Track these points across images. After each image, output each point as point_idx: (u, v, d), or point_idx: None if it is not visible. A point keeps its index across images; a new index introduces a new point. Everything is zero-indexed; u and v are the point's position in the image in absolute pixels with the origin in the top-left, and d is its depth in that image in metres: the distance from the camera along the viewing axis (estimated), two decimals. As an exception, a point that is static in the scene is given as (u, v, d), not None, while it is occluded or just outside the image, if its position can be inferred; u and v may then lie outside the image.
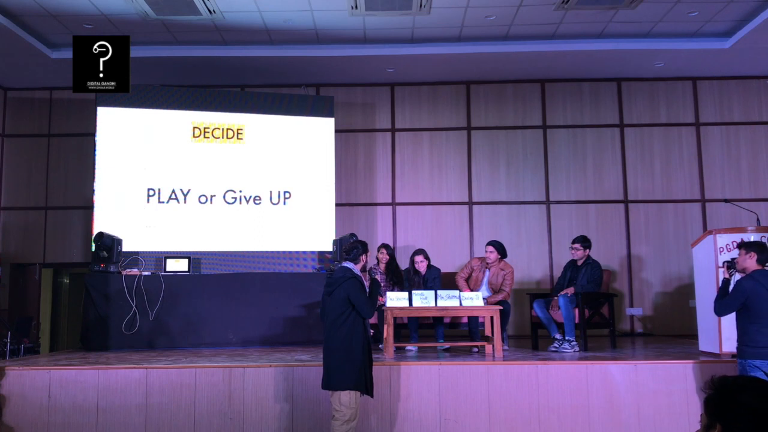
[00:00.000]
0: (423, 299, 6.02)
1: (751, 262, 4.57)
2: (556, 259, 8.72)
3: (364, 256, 4.64)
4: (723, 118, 9.04)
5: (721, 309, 4.71)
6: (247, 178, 8.20)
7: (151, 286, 7.03)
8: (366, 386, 4.41)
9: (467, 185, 9.04)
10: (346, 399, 4.30)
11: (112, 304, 6.96)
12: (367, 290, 4.55)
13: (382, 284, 7.00)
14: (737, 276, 4.72)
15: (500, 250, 6.89)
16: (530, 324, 6.85)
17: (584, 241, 6.74)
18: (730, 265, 4.85)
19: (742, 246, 4.72)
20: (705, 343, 5.87)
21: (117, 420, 5.06)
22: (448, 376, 5.15)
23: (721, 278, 5.34)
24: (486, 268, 6.93)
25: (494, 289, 6.79)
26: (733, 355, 5.28)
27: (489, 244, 6.96)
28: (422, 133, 9.16)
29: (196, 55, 8.20)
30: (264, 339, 7.18)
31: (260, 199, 8.21)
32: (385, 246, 7.31)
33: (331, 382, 4.36)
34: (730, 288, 4.74)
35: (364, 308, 4.38)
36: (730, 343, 5.40)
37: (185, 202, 8.01)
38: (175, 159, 8.07)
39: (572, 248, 6.75)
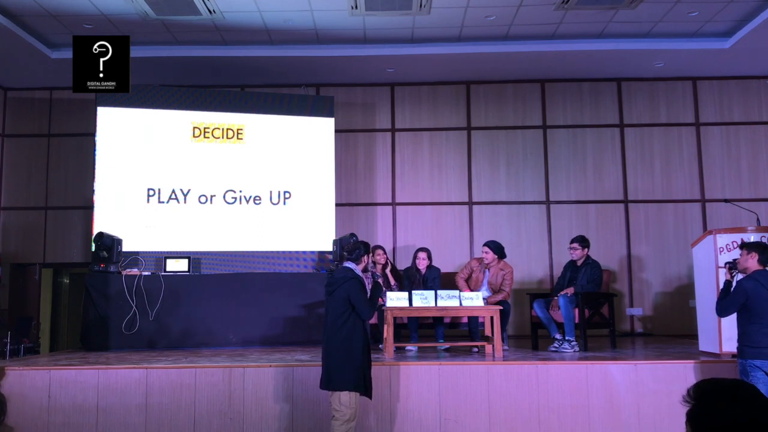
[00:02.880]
0: (423, 299, 6.02)
1: (752, 263, 4.58)
2: (556, 259, 8.72)
3: (366, 257, 4.64)
4: (723, 118, 9.04)
5: (722, 310, 4.71)
6: (247, 178, 8.20)
7: (151, 286, 7.03)
8: (365, 387, 4.40)
9: (467, 185, 9.04)
10: (346, 399, 4.30)
11: (112, 304, 6.96)
12: (369, 292, 4.54)
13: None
14: (739, 277, 4.72)
15: (497, 250, 6.86)
16: (530, 324, 6.85)
17: (582, 241, 6.73)
18: (732, 266, 4.83)
19: (744, 246, 4.72)
20: (705, 343, 5.88)
21: (117, 420, 5.06)
22: (448, 376, 5.15)
23: (722, 279, 5.35)
24: (486, 268, 6.93)
25: (494, 289, 6.79)
26: (734, 355, 5.28)
27: (485, 244, 6.96)
28: (422, 133, 9.16)
29: (196, 55, 8.20)
30: (264, 339, 7.18)
31: (260, 199, 8.21)
32: (380, 248, 7.30)
33: (331, 382, 4.35)
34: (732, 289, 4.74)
35: (364, 309, 4.37)
36: (730, 343, 5.40)
37: (185, 202, 8.01)
38: (175, 159, 8.07)
39: (570, 248, 6.75)
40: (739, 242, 5.56)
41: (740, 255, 4.70)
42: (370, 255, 4.76)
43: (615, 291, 8.48)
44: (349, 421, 4.30)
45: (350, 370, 4.31)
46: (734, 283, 4.73)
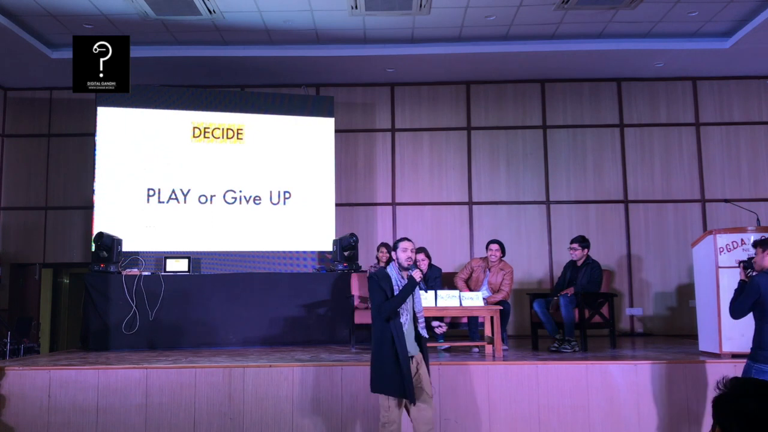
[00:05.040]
0: (423, 299, 6.00)
1: None
2: (556, 259, 8.72)
3: (388, 253, 4.45)
4: (723, 118, 9.04)
5: (735, 311, 4.38)
6: (247, 178, 8.21)
7: (151, 286, 7.03)
8: (400, 390, 4.07)
9: (467, 185, 9.04)
10: (383, 402, 4.13)
11: (112, 304, 6.97)
12: (394, 288, 4.19)
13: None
14: (754, 274, 4.37)
15: (503, 248, 6.93)
16: (530, 324, 6.85)
17: (582, 241, 6.74)
18: (747, 264, 4.49)
19: (758, 244, 4.39)
20: (705, 343, 5.87)
21: (117, 420, 5.06)
22: (448, 376, 5.15)
23: (722, 279, 5.32)
24: (487, 268, 6.93)
25: (494, 289, 6.79)
26: (734, 355, 5.28)
27: (493, 242, 6.95)
28: (422, 133, 9.16)
29: (196, 55, 8.20)
30: (264, 339, 7.18)
31: (260, 199, 8.21)
32: (384, 245, 7.32)
33: (370, 384, 4.24)
34: None
35: (374, 307, 4.18)
36: (730, 343, 5.41)
37: (185, 202, 8.02)
38: (175, 159, 8.07)
39: (571, 248, 6.76)
40: (739, 242, 5.56)
41: (755, 253, 4.38)
42: (395, 251, 4.41)
43: (615, 291, 8.48)
44: (384, 425, 4.09)
45: (381, 373, 4.10)
46: None
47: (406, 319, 4.18)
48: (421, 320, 4.28)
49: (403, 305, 4.16)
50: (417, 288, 4.27)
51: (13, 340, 7.51)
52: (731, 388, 1.70)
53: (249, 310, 7.25)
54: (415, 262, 4.30)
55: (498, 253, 6.87)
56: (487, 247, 7.00)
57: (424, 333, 4.27)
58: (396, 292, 4.15)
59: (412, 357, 4.16)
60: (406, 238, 4.32)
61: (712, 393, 1.77)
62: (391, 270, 4.24)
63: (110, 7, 7.12)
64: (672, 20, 7.56)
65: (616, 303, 7.49)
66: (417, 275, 4.17)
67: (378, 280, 4.20)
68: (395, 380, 4.07)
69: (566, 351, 6.12)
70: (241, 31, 7.79)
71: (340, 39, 8.04)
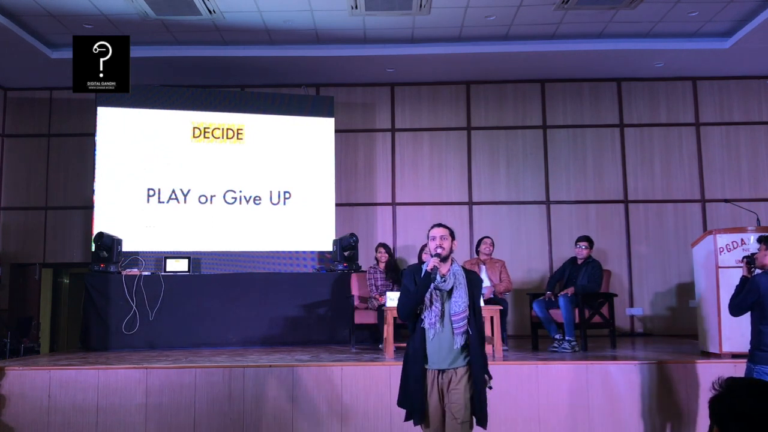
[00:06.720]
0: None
1: None
2: (556, 258, 8.71)
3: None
4: (723, 118, 9.04)
5: (734, 308, 4.29)
6: (247, 178, 8.20)
7: (151, 286, 7.03)
8: (400, 403, 3.60)
9: (467, 185, 9.04)
10: None
11: (112, 304, 6.97)
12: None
13: (379, 283, 6.96)
14: (758, 272, 4.30)
15: (493, 243, 7.23)
16: (530, 324, 6.86)
17: (589, 241, 6.83)
18: (750, 260, 4.36)
19: (762, 240, 4.27)
20: (705, 343, 5.87)
21: (117, 420, 5.06)
22: (448, 376, 5.14)
23: (722, 279, 5.31)
24: (481, 263, 7.01)
25: (495, 285, 6.87)
26: (734, 355, 5.28)
27: (485, 237, 7.26)
28: (422, 133, 9.15)
29: (196, 55, 8.20)
30: (264, 339, 7.18)
31: (260, 199, 8.21)
32: (383, 245, 7.31)
33: None
34: None
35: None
36: (730, 343, 5.41)
37: (185, 202, 8.02)
38: (175, 159, 8.07)
39: (579, 246, 6.80)
40: (739, 242, 5.56)
41: (759, 249, 4.28)
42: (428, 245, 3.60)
43: (615, 291, 8.47)
44: None
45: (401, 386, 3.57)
46: None
47: (432, 323, 3.44)
48: (457, 325, 3.43)
49: (432, 308, 3.44)
50: (458, 285, 3.47)
51: (13, 340, 7.51)
52: (727, 388, 1.70)
53: (249, 310, 7.25)
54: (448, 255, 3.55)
55: (491, 247, 7.15)
56: (480, 242, 7.21)
57: (458, 340, 3.42)
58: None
59: (442, 371, 3.47)
60: (436, 225, 3.61)
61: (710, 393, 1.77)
62: (426, 264, 3.54)
63: (110, 7, 7.12)
64: (672, 20, 7.56)
65: (616, 303, 7.48)
66: (429, 264, 3.43)
67: (407, 274, 3.58)
68: (401, 392, 3.58)
69: (566, 351, 6.12)
70: (241, 31, 7.79)
71: (340, 39, 8.04)
